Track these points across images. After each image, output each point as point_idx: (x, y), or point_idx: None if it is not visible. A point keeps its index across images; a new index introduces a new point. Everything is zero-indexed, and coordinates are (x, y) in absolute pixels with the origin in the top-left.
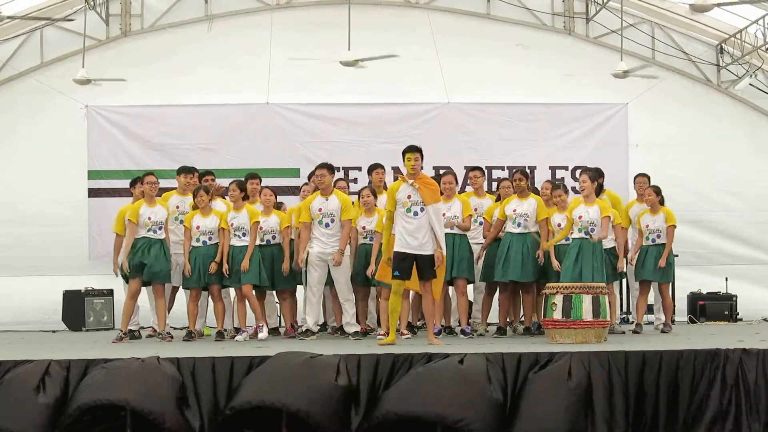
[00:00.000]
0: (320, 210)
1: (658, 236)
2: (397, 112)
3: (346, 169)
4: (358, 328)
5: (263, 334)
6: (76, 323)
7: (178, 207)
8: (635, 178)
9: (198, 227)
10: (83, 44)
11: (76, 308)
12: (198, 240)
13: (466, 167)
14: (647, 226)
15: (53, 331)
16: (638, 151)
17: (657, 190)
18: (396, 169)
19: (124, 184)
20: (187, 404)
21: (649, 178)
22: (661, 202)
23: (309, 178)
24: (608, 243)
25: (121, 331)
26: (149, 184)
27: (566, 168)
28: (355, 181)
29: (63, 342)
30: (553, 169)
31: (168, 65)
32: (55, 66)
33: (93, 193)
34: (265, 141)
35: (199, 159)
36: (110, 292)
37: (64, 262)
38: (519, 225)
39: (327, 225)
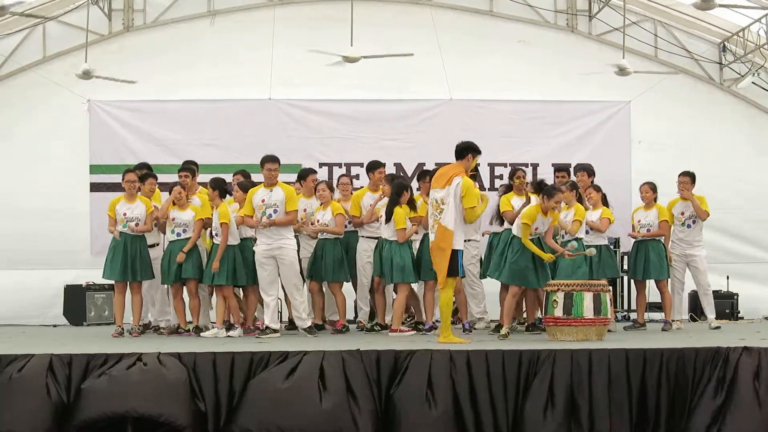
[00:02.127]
0: (263, 201)
1: (648, 230)
2: (400, 109)
3: (348, 165)
4: (310, 323)
5: (236, 332)
6: (77, 318)
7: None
8: (678, 176)
9: (173, 219)
10: (86, 39)
11: (78, 303)
12: (173, 232)
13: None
14: (639, 221)
15: (54, 326)
16: (640, 148)
17: (653, 187)
18: (398, 166)
19: None
20: (194, 400)
21: (691, 177)
22: (655, 199)
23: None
24: (600, 240)
25: (119, 326)
26: (128, 182)
27: (569, 165)
28: (357, 177)
29: (64, 337)
30: (555, 166)
31: (170, 60)
32: (58, 60)
33: (95, 187)
34: (267, 137)
35: (201, 154)
36: (111, 287)
37: (65, 256)
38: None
39: (270, 217)
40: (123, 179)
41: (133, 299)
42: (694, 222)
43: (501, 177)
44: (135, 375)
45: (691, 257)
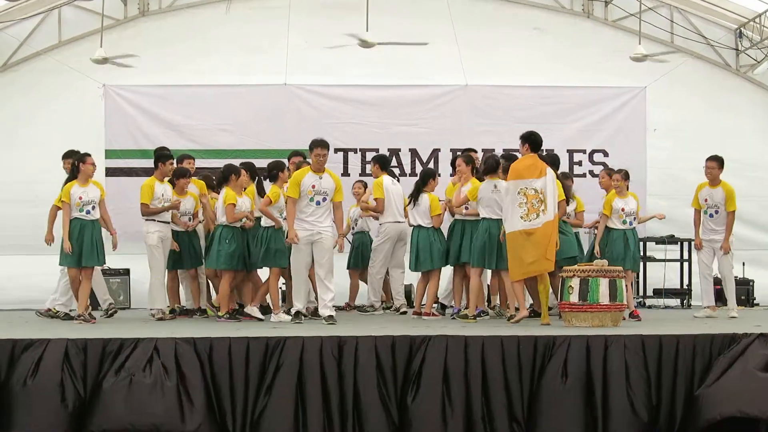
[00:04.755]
0: (313, 187)
1: (635, 219)
2: (415, 95)
3: (363, 151)
4: (333, 312)
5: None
6: (93, 302)
7: (163, 194)
8: (706, 161)
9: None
10: (101, 24)
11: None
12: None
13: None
14: (623, 210)
15: (70, 310)
16: (656, 134)
17: (626, 176)
18: (413, 151)
19: (141, 163)
20: (213, 410)
21: (719, 161)
22: (628, 188)
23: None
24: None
25: (77, 312)
26: (92, 165)
27: (584, 151)
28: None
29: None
30: (570, 152)
31: (186, 45)
32: (73, 45)
33: (110, 172)
34: (282, 122)
35: (216, 139)
36: (126, 272)
37: None
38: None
39: (318, 203)
40: (83, 162)
41: (82, 284)
42: (717, 212)
43: None
44: (156, 387)
45: (716, 243)
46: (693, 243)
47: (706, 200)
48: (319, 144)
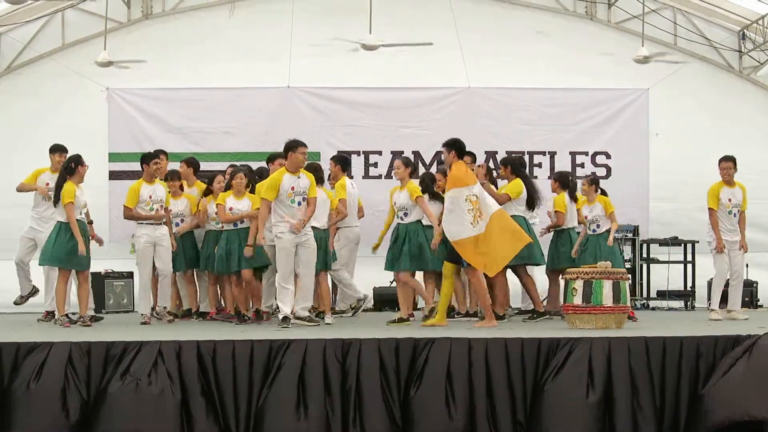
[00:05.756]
0: (292, 189)
1: (598, 226)
2: (418, 97)
3: (366, 153)
4: (307, 313)
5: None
6: (96, 305)
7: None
8: (720, 162)
9: (231, 209)
10: (105, 27)
11: (96, 290)
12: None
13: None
14: (586, 217)
15: (73, 313)
16: (658, 136)
17: (592, 180)
18: (416, 154)
19: None
20: (217, 414)
21: (734, 161)
22: (604, 192)
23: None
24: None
25: (65, 315)
26: (87, 167)
27: (586, 153)
28: (375, 165)
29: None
30: (573, 154)
31: (189, 48)
32: (77, 48)
33: (113, 175)
34: (285, 124)
35: (219, 142)
36: (130, 275)
37: None
38: None
39: (299, 204)
40: (82, 165)
41: (83, 287)
42: (739, 211)
43: None
44: (161, 393)
45: (733, 244)
46: (714, 246)
47: (730, 200)
48: (303, 143)
